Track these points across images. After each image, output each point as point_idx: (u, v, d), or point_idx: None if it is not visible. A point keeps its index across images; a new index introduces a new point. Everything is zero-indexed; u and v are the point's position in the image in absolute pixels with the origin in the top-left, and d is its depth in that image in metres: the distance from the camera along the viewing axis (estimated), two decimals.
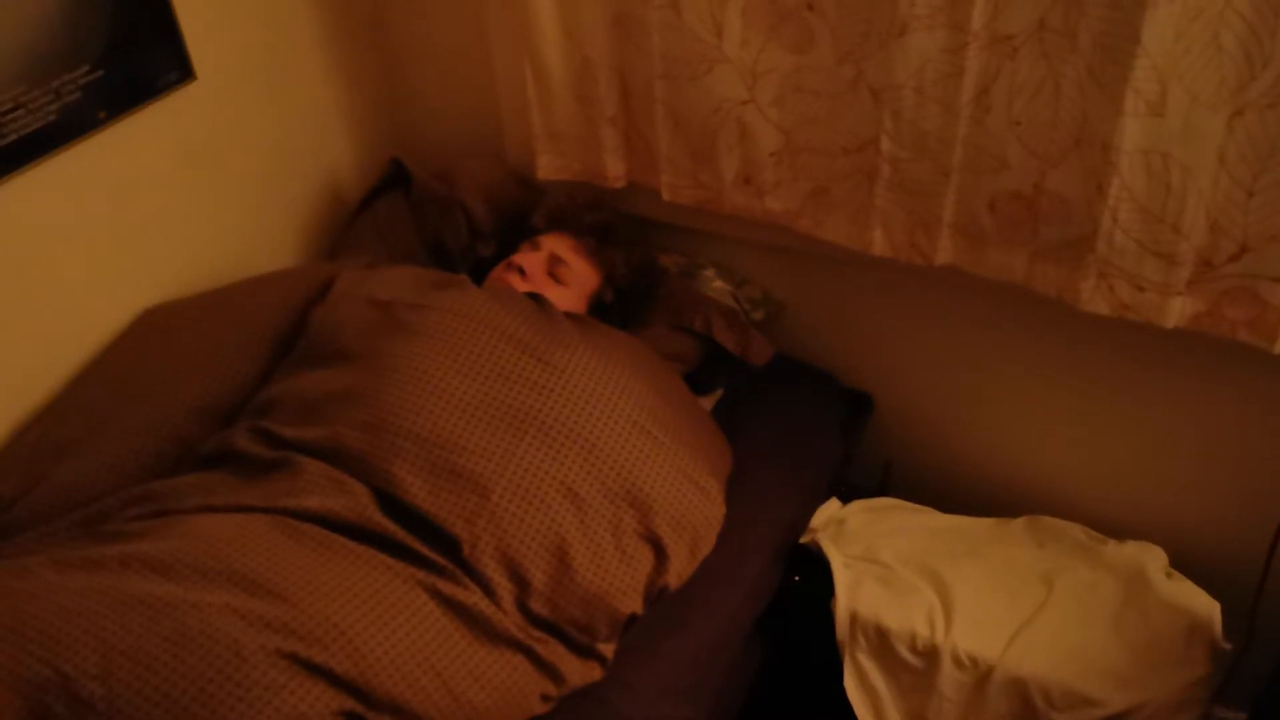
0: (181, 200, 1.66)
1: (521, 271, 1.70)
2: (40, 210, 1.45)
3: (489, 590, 1.32)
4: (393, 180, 1.88)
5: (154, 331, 1.58)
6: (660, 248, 1.94)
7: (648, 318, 1.79)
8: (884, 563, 1.66)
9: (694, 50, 1.61)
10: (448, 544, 1.32)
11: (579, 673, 1.37)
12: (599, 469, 1.41)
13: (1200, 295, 1.48)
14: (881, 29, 1.48)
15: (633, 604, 1.41)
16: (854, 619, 1.61)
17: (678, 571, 1.46)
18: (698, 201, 1.79)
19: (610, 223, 1.83)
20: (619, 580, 1.39)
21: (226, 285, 1.66)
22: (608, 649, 1.40)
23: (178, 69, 1.59)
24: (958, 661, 1.54)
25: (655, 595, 1.45)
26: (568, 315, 1.61)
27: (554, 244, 1.76)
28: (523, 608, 1.34)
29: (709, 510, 1.51)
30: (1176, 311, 1.49)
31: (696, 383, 1.79)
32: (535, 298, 1.61)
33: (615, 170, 1.82)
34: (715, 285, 1.87)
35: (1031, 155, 1.47)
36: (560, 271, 1.73)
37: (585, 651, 1.38)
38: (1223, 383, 1.62)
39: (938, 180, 1.55)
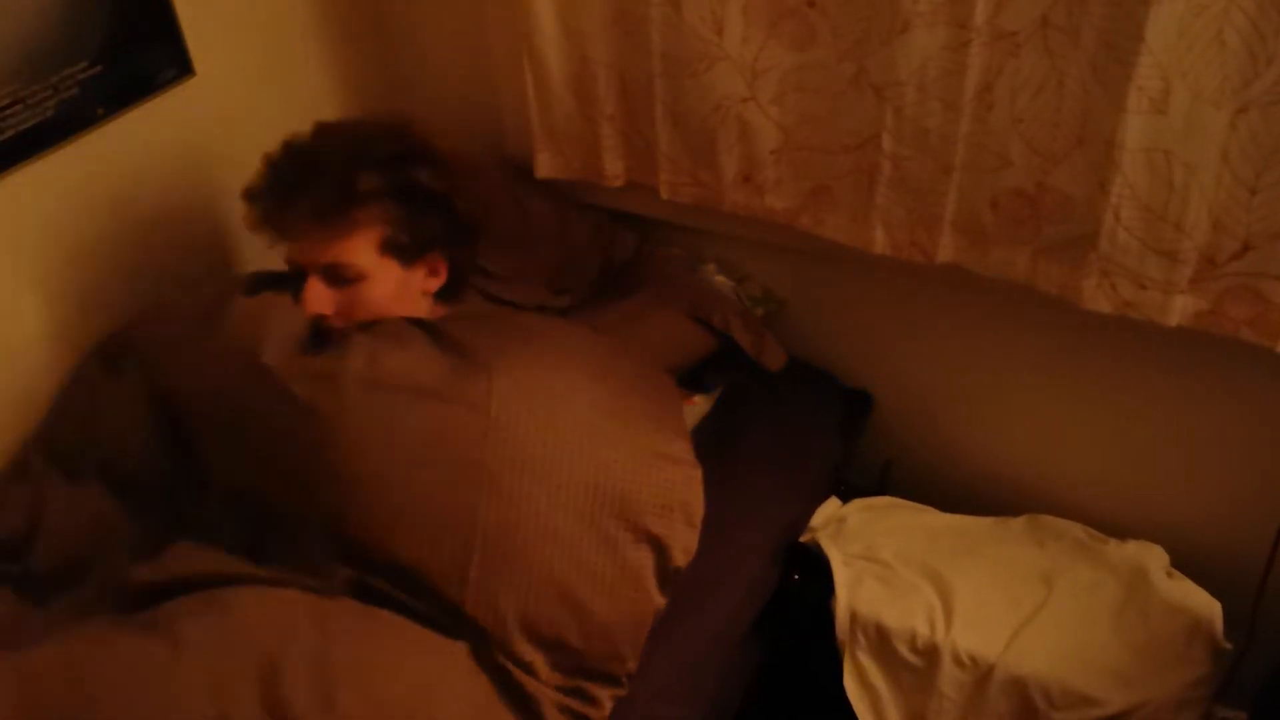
0: (181, 197, 1.66)
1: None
2: (38, 207, 1.45)
3: (520, 663, 1.30)
4: None
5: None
6: (660, 245, 1.94)
7: (634, 288, 1.78)
8: (884, 562, 1.66)
9: (694, 48, 1.61)
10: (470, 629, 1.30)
11: (611, 696, 1.37)
12: (565, 496, 1.33)
13: (1202, 294, 1.48)
14: (883, 26, 1.47)
15: (653, 605, 1.39)
16: (854, 618, 1.60)
17: (684, 549, 1.42)
18: (697, 200, 1.78)
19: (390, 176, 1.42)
20: (631, 597, 1.36)
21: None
22: (635, 665, 1.38)
23: (177, 65, 1.59)
24: (958, 660, 1.54)
25: (671, 580, 1.42)
26: (456, 325, 1.43)
27: (305, 252, 1.42)
28: (559, 667, 1.32)
29: (686, 474, 1.45)
30: (1179, 310, 1.49)
31: (697, 381, 1.79)
32: (422, 325, 1.42)
33: (614, 169, 1.82)
34: (717, 280, 1.87)
35: (1034, 153, 1.47)
36: (357, 292, 1.43)
37: (614, 682, 1.37)
38: (1224, 381, 1.62)
39: (939, 178, 1.55)
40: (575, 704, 1.33)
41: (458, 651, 1.28)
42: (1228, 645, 1.54)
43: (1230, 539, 1.72)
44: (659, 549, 1.40)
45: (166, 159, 1.63)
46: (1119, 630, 1.56)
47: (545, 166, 1.85)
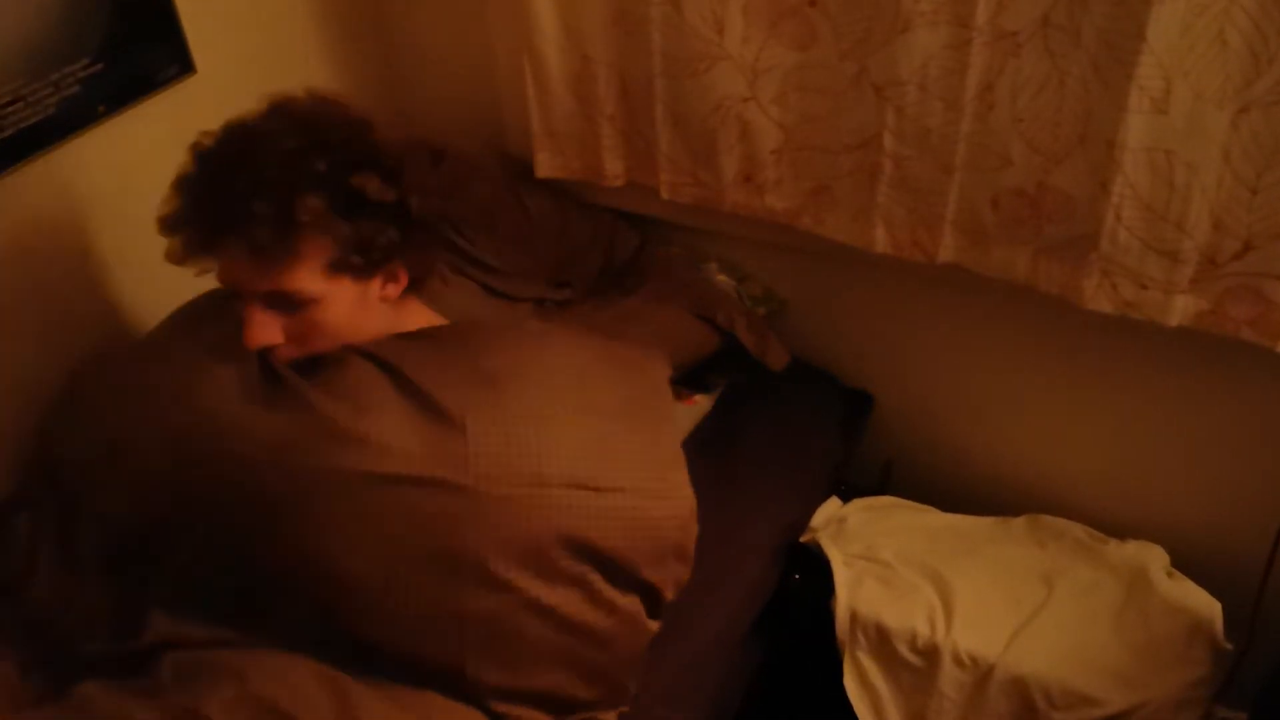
0: None
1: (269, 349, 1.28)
2: (38, 205, 1.45)
3: None
4: None
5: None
6: (660, 245, 1.94)
7: (637, 286, 1.77)
8: (884, 562, 1.66)
9: (694, 48, 1.61)
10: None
11: (617, 715, 1.35)
12: (554, 568, 1.23)
13: (1203, 293, 1.48)
14: (884, 25, 1.47)
15: (648, 636, 1.35)
16: (854, 618, 1.60)
17: (675, 583, 1.35)
18: (697, 200, 1.78)
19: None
20: (627, 638, 1.31)
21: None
22: (636, 685, 1.37)
23: (178, 62, 1.58)
24: (958, 660, 1.54)
25: (663, 607, 1.37)
26: (423, 365, 1.28)
27: (241, 281, 1.24)
28: (567, 712, 1.30)
29: (679, 515, 1.33)
30: (1179, 310, 1.49)
31: (698, 380, 1.79)
32: (386, 369, 1.27)
33: (614, 168, 1.82)
34: (718, 280, 1.87)
35: (1035, 152, 1.47)
36: (308, 316, 1.26)
37: (619, 703, 1.35)
38: (1225, 381, 1.62)
39: (940, 178, 1.54)
40: None
41: (474, 717, 1.23)
42: (1228, 645, 1.54)
43: (1231, 539, 1.72)
44: (651, 593, 1.34)
45: (167, 157, 1.63)
46: (1119, 630, 1.56)
47: (545, 166, 1.85)
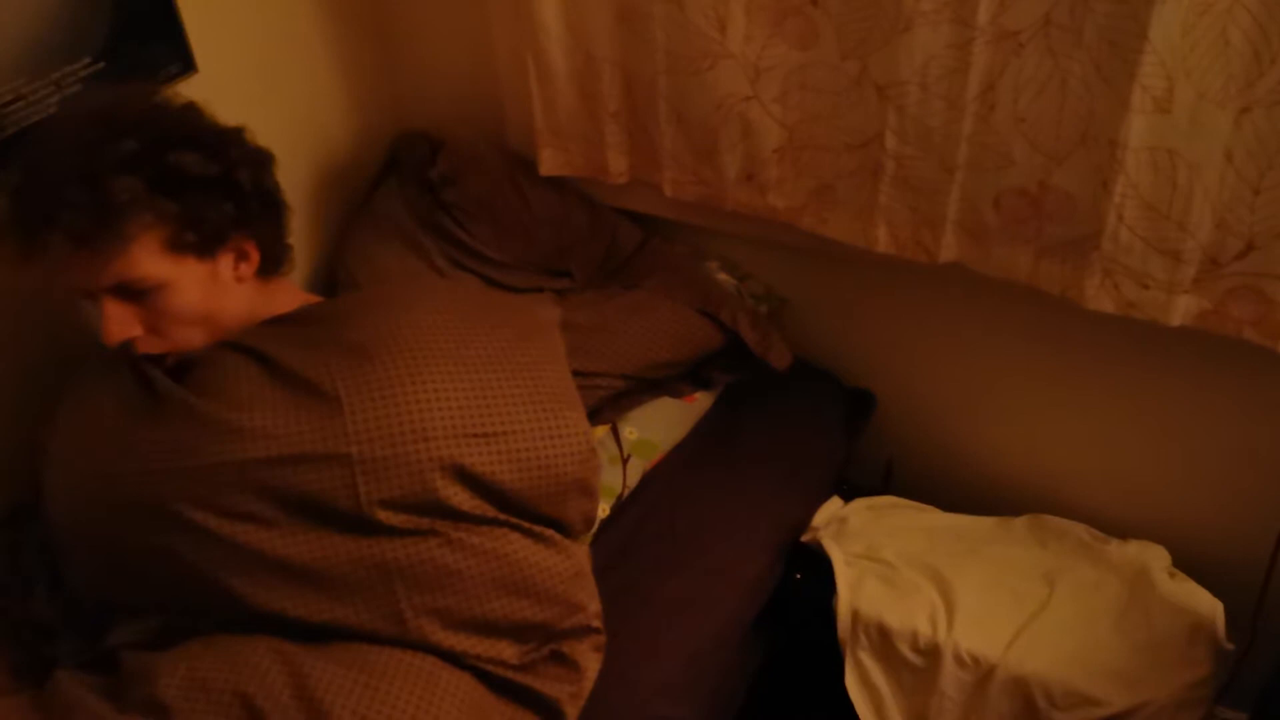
0: None
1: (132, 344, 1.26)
2: None
3: (489, 659, 1.27)
4: (390, 168, 1.87)
5: None
6: (663, 243, 1.94)
7: (640, 280, 1.77)
8: (886, 561, 1.66)
9: (697, 46, 1.61)
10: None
11: (592, 648, 1.35)
12: (443, 505, 1.24)
13: (1206, 293, 1.48)
14: (886, 24, 1.47)
15: (582, 554, 1.35)
16: (855, 617, 1.60)
17: (583, 517, 1.36)
18: (700, 198, 1.78)
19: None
20: (553, 558, 1.30)
21: None
22: (597, 605, 1.36)
23: (179, 61, 1.59)
24: (959, 660, 1.54)
25: (592, 521, 1.37)
26: (289, 345, 1.27)
27: (82, 279, 1.22)
28: (527, 641, 1.30)
29: (571, 445, 1.31)
30: (1181, 310, 1.49)
31: (699, 378, 1.79)
32: (255, 355, 1.27)
33: (618, 166, 1.82)
34: (720, 278, 1.87)
35: (1037, 152, 1.47)
36: (161, 302, 1.24)
37: (586, 631, 1.34)
38: (1227, 381, 1.62)
39: (942, 177, 1.54)
40: (558, 670, 1.32)
41: (430, 662, 1.24)
42: (1230, 645, 1.54)
43: (1232, 539, 1.72)
44: (560, 527, 1.35)
45: None
46: (1121, 630, 1.55)
47: (549, 163, 1.85)
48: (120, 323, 1.23)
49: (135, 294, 1.23)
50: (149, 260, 1.21)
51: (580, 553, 1.37)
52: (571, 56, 1.73)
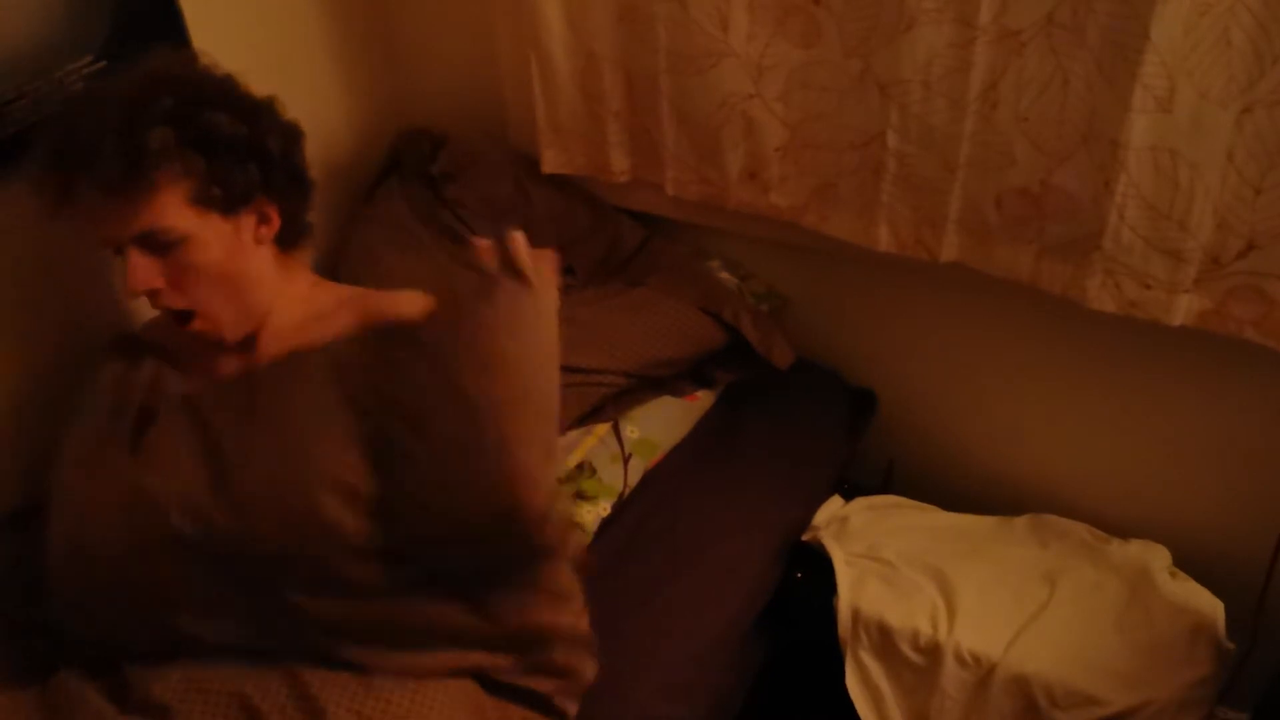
0: None
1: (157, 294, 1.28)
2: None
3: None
4: (392, 165, 1.88)
5: None
6: (665, 241, 1.94)
7: (642, 278, 1.77)
8: (887, 561, 1.66)
9: (700, 44, 1.61)
10: None
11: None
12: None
13: (1207, 293, 1.47)
14: (888, 23, 1.47)
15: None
16: (856, 616, 1.60)
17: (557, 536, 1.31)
18: (702, 197, 1.78)
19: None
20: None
21: None
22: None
23: None
24: (960, 660, 1.54)
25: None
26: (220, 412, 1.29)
27: (112, 227, 1.25)
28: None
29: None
30: (1183, 309, 1.49)
31: (700, 376, 1.79)
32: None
33: (620, 165, 1.82)
34: (721, 277, 1.86)
35: (1039, 151, 1.47)
36: (183, 256, 1.26)
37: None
38: (1228, 381, 1.62)
39: (944, 176, 1.54)
40: (553, 670, 1.32)
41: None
42: (1231, 645, 1.54)
43: (1234, 539, 1.71)
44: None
45: None
46: (1122, 630, 1.55)
47: (551, 162, 1.85)
48: (145, 272, 1.24)
49: (160, 246, 1.24)
50: (174, 211, 1.23)
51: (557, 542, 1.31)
52: (574, 55, 1.73)
